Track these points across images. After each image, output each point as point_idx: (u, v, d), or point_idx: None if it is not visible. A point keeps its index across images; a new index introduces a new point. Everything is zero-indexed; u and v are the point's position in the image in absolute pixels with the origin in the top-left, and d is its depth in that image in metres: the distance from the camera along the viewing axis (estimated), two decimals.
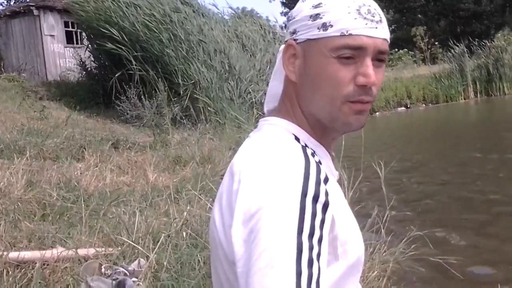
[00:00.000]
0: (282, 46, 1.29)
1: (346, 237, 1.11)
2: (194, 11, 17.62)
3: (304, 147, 1.13)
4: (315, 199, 1.01)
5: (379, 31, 1.15)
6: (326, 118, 1.17)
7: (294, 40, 1.18)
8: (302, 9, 1.18)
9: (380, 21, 1.15)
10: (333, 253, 1.08)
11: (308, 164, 1.06)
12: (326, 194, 1.03)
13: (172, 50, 15.79)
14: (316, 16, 1.14)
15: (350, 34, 1.12)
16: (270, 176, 1.04)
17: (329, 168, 1.21)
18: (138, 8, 16.59)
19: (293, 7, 1.23)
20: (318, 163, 1.10)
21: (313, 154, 1.13)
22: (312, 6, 1.16)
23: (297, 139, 1.17)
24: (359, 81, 1.13)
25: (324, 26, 1.13)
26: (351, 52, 1.13)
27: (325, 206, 1.02)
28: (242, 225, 1.02)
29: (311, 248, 0.96)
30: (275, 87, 1.29)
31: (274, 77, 1.30)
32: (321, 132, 1.22)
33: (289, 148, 1.11)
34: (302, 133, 1.19)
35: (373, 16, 1.14)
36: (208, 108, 14.69)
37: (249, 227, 1.00)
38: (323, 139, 1.22)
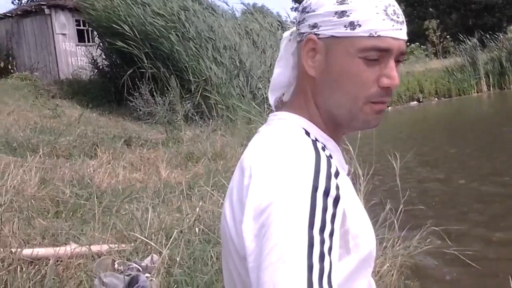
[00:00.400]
0: (287, 33, 1.29)
1: (357, 230, 1.10)
2: (204, 8, 17.62)
3: (315, 141, 1.12)
4: (326, 193, 1.01)
5: (403, 32, 1.15)
6: (345, 116, 1.17)
7: (315, 34, 1.16)
8: (324, 3, 1.15)
9: (403, 22, 1.16)
10: (345, 247, 1.08)
11: (319, 158, 1.06)
12: (337, 188, 1.03)
13: (182, 47, 15.82)
14: (342, 13, 1.12)
15: (379, 36, 1.11)
16: (280, 170, 1.03)
17: (339, 161, 1.21)
18: (147, 7, 16.62)
19: (303, 1, 1.21)
20: (329, 157, 1.09)
21: (323, 148, 1.12)
22: (337, 2, 1.13)
23: (307, 133, 1.16)
24: (384, 83, 1.14)
25: (352, 25, 1.11)
26: (378, 53, 1.12)
27: (336, 200, 1.01)
28: (253, 220, 1.01)
29: (322, 242, 0.95)
30: (279, 75, 1.28)
31: (278, 65, 1.28)
32: (334, 128, 1.21)
33: (300, 142, 1.11)
34: (312, 127, 1.19)
35: (398, 17, 1.14)
36: (219, 104, 14.69)
37: (260, 222, 1.00)
38: (334, 134, 1.22)
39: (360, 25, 1.11)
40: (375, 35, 1.11)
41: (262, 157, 1.09)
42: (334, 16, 1.13)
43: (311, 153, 1.07)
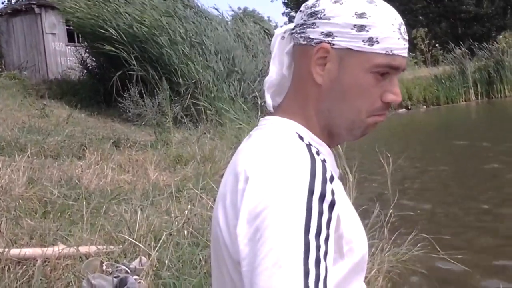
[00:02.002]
0: (280, 30, 1.27)
1: (351, 235, 1.11)
2: (195, 13, 17.57)
3: (309, 146, 1.12)
4: (322, 197, 1.01)
5: (407, 50, 1.19)
6: (346, 126, 1.19)
7: (329, 43, 1.15)
8: (340, 13, 1.14)
9: (408, 40, 1.19)
10: (339, 251, 1.08)
11: (314, 162, 1.06)
12: (332, 193, 1.03)
13: (170, 50, 15.78)
14: (361, 28, 1.13)
15: (393, 54, 1.14)
16: (276, 174, 1.03)
17: (332, 166, 1.21)
18: (128, 15, 16.58)
19: (295, 8, 1.20)
20: (323, 162, 1.10)
21: (317, 153, 1.12)
22: (356, 15, 1.14)
23: (300, 137, 1.16)
24: (388, 99, 1.17)
25: (371, 41, 1.13)
26: (389, 70, 1.15)
27: (332, 205, 1.02)
28: (247, 224, 1.01)
29: (318, 247, 0.96)
30: (275, 73, 1.26)
31: (273, 62, 1.27)
32: (328, 135, 1.22)
33: (294, 147, 1.11)
34: (306, 131, 1.19)
35: (406, 36, 1.18)
36: (208, 109, 14.68)
37: (254, 226, 0.99)
38: (327, 140, 1.22)
39: (378, 42, 1.13)
40: (391, 53, 1.14)
41: (258, 161, 1.09)
42: (352, 29, 1.13)
43: (306, 158, 1.07)
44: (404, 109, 28.21)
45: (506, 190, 8.91)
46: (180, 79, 15.30)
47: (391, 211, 5.13)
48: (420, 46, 38.42)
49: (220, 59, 16.37)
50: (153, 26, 16.15)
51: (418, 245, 5.07)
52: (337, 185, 1.09)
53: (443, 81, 30.04)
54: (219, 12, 19.66)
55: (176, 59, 15.66)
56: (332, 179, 1.06)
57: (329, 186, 1.03)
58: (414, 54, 38.45)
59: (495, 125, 18.43)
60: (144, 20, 16.25)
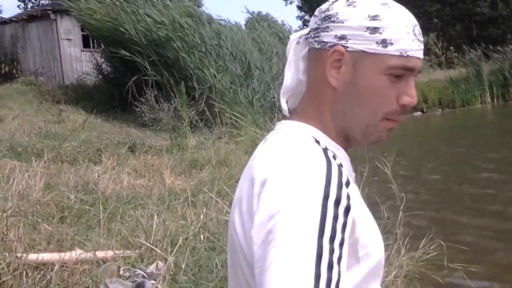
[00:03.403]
0: (295, 35, 1.28)
1: (367, 240, 1.11)
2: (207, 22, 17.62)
3: (325, 150, 1.12)
4: (337, 202, 1.01)
5: (422, 52, 1.18)
6: (361, 130, 1.19)
7: (343, 46, 1.15)
8: (353, 16, 1.15)
9: (423, 41, 1.18)
10: (354, 256, 1.08)
11: (330, 166, 1.06)
12: (348, 197, 1.03)
13: (186, 55, 15.82)
14: (374, 30, 1.13)
15: (408, 55, 1.14)
16: (291, 178, 1.03)
17: (349, 170, 1.21)
18: (147, 16, 16.64)
19: (309, 11, 1.20)
20: (340, 166, 1.10)
21: (334, 157, 1.12)
22: (369, 17, 1.14)
23: (317, 141, 1.16)
24: (405, 101, 1.17)
25: (384, 43, 1.13)
26: (404, 72, 1.15)
27: (347, 209, 1.01)
28: (262, 226, 1.01)
29: (331, 251, 0.95)
30: (291, 78, 1.26)
31: (288, 67, 1.27)
32: (345, 139, 1.21)
33: (311, 151, 1.10)
34: (322, 135, 1.18)
35: (421, 37, 1.17)
36: (224, 112, 14.70)
37: (267, 229, 0.99)
38: (343, 144, 1.22)
39: (392, 44, 1.13)
40: (405, 55, 1.14)
41: (274, 165, 1.09)
42: (366, 31, 1.13)
43: (322, 162, 1.07)
44: (419, 112, 28.09)
45: None
46: (195, 84, 15.34)
47: (401, 214, 5.11)
48: (434, 49, 38.26)
49: (236, 62, 16.40)
50: (172, 28, 16.20)
51: (432, 247, 5.04)
52: (353, 190, 1.09)
53: (459, 84, 29.87)
54: (226, 21, 19.54)
55: (191, 63, 15.70)
56: (348, 183, 1.06)
57: (344, 191, 1.03)
58: (428, 57, 38.33)
59: None
60: (163, 21, 16.29)
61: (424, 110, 28.65)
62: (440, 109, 29.46)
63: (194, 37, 16.19)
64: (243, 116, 14.15)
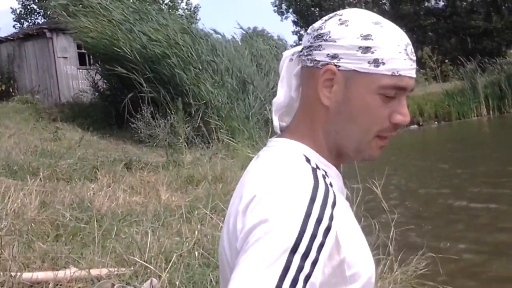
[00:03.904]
0: (288, 52, 1.29)
1: (354, 259, 1.10)
2: (202, 38, 17.69)
3: (315, 169, 1.13)
4: (319, 221, 1.02)
5: (415, 71, 1.18)
6: (353, 148, 1.19)
7: (335, 65, 1.15)
8: (345, 36, 1.15)
9: (415, 60, 1.18)
10: (341, 276, 1.08)
11: (317, 186, 1.07)
12: (331, 218, 1.04)
13: (182, 71, 15.87)
14: (366, 49, 1.13)
15: (400, 75, 1.14)
16: (276, 195, 1.05)
17: (340, 188, 1.21)
18: (142, 34, 16.72)
19: (304, 26, 1.21)
20: (328, 185, 1.10)
21: (324, 176, 1.13)
22: (361, 36, 1.14)
23: (307, 160, 1.16)
24: (397, 119, 1.17)
25: (376, 62, 1.13)
26: (395, 91, 1.15)
27: (327, 230, 1.02)
28: (243, 239, 1.03)
29: (300, 268, 0.96)
30: (283, 95, 1.27)
31: (281, 84, 1.27)
32: (337, 156, 1.22)
33: (299, 170, 1.11)
34: (314, 154, 1.19)
35: (414, 56, 1.17)
36: (220, 129, 14.73)
37: (246, 241, 1.01)
38: (335, 161, 1.22)
39: (384, 63, 1.13)
40: (397, 74, 1.14)
41: (261, 183, 1.10)
42: (358, 51, 1.13)
43: (309, 181, 1.08)
44: (415, 125, 28.14)
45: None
46: (191, 100, 15.37)
47: (392, 229, 5.11)
48: (429, 63, 38.41)
49: (232, 78, 16.45)
50: (168, 45, 16.27)
51: (424, 264, 5.04)
52: (340, 210, 1.09)
53: (454, 97, 29.93)
54: (221, 35, 19.63)
55: (187, 79, 15.75)
56: (334, 204, 1.07)
57: (328, 211, 1.04)
58: (424, 71, 38.46)
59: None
60: (158, 38, 16.37)
61: (420, 123, 28.73)
62: (436, 122, 29.52)
63: (190, 53, 16.25)
64: (238, 131, 14.17)
